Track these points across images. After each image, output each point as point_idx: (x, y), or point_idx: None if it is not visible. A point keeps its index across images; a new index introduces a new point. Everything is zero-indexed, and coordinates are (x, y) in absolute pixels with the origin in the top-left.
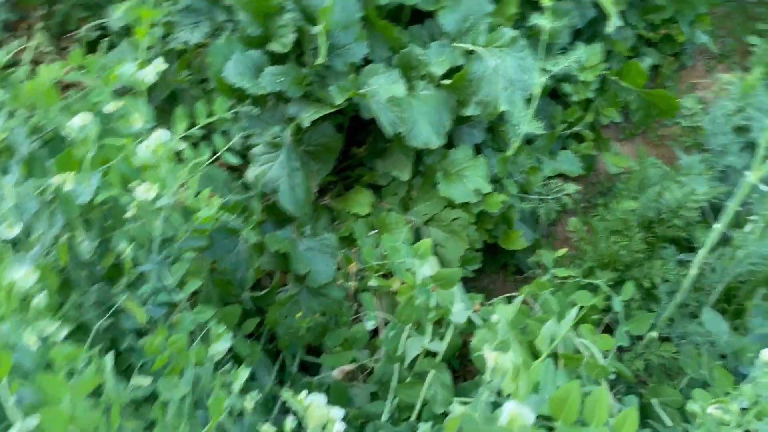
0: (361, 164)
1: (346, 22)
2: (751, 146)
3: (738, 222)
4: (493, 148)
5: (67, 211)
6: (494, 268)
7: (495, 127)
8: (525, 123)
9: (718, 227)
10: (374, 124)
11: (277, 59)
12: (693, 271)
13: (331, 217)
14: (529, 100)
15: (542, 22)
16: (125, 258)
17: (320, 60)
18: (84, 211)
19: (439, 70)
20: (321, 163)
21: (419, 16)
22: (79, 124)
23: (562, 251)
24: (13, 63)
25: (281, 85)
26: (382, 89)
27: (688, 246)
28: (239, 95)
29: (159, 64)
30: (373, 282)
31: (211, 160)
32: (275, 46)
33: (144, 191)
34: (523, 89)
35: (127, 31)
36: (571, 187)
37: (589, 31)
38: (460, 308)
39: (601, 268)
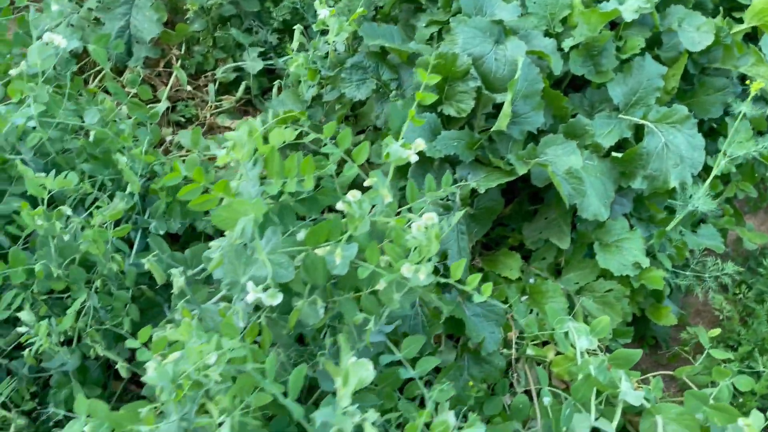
0: (500, 224)
1: (528, 91)
2: None
3: None
4: (638, 218)
5: (313, 278)
6: (633, 338)
7: (641, 198)
8: (701, 201)
9: None
10: (523, 186)
11: (448, 122)
12: None
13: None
14: (699, 177)
15: (745, 108)
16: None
17: (500, 127)
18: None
19: (606, 141)
20: (481, 225)
21: (575, 85)
22: (353, 199)
23: (716, 331)
24: (154, 99)
25: (455, 149)
26: (560, 160)
27: None
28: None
29: (419, 143)
30: (530, 351)
31: None
32: (449, 110)
33: (409, 271)
34: (692, 167)
35: (263, 73)
36: (730, 267)
37: None
38: (628, 388)
39: (760, 353)
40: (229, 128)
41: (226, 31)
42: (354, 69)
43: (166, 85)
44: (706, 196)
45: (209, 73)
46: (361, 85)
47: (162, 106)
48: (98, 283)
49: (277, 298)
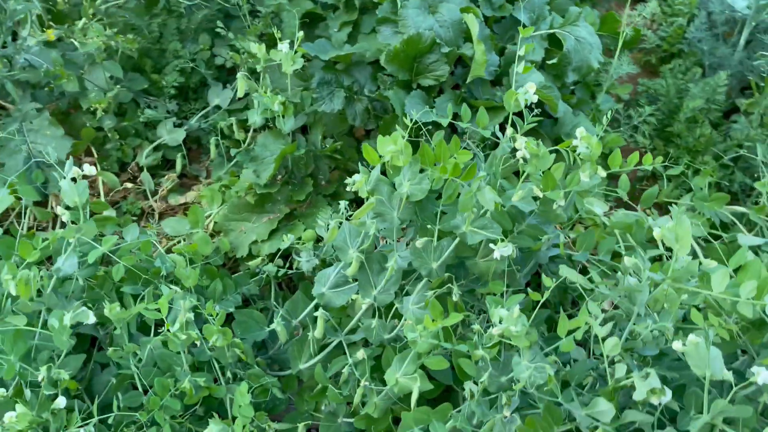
0: None
1: (481, 39)
2: None
3: None
4: None
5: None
6: None
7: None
8: (623, 65)
9: None
10: None
11: (428, 92)
12: None
13: None
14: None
15: None
16: None
17: (479, 74)
18: None
19: (536, 57)
20: None
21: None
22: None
23: (659, 159)
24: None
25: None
26: (530, 79)
27: None
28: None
29: (532, 85)
30: (572, 234)
31: None
32: (427, 81)
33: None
34: (599, 48)
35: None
36: (647, 110)
37: None
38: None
39: (694, 156)
40: (185, 203)
41: (130, 118)
42: (321, 86)
43: (97, 195)
44: (626, 62)
45: (133, 164)
46: (333, 97)
47: (109, 213)
48: (228, 374)
49: (509, 248)
